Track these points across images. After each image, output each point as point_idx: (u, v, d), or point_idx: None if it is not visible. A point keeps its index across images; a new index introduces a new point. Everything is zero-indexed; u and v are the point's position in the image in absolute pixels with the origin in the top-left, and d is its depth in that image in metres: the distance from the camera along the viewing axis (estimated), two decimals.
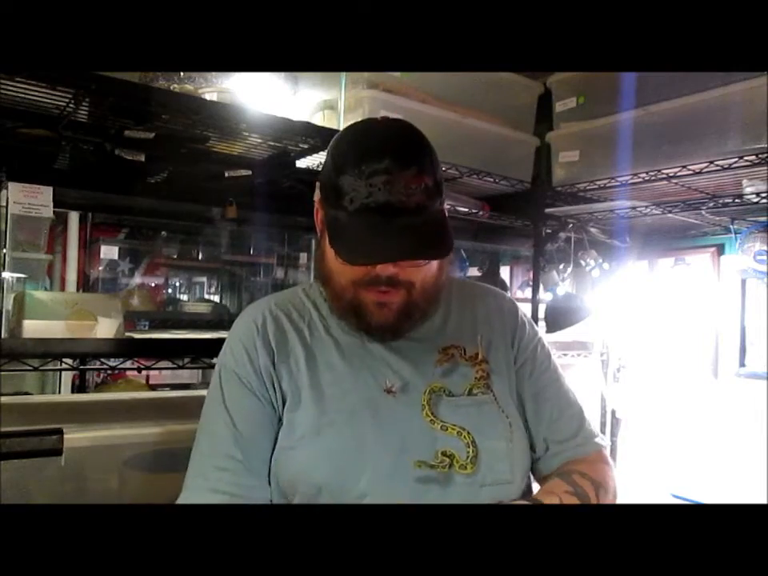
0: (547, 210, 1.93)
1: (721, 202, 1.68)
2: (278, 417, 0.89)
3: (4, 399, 1.22)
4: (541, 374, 0.98)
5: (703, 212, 1.79)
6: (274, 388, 0.90)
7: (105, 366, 1.50)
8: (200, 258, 3.24)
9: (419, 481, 0.82)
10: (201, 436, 0.90)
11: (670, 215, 1.83)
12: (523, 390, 0.96)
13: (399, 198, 0.78)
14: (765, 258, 1.83)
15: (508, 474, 0.87)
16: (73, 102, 1.16)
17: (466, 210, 1.86)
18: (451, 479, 0.83)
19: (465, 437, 0.85)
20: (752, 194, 1.56)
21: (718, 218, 1.93)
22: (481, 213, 1.90)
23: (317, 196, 0.92)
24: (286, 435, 0.88)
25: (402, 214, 0.79)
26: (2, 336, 1.33)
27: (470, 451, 0.84)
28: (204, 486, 0.85)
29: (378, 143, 0.82)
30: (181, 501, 0.85)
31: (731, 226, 1.93)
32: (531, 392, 0.96)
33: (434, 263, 0.88)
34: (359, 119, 1.51)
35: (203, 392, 0.98)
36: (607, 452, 0.99)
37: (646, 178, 1.59)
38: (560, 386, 0.99)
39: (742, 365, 2.06)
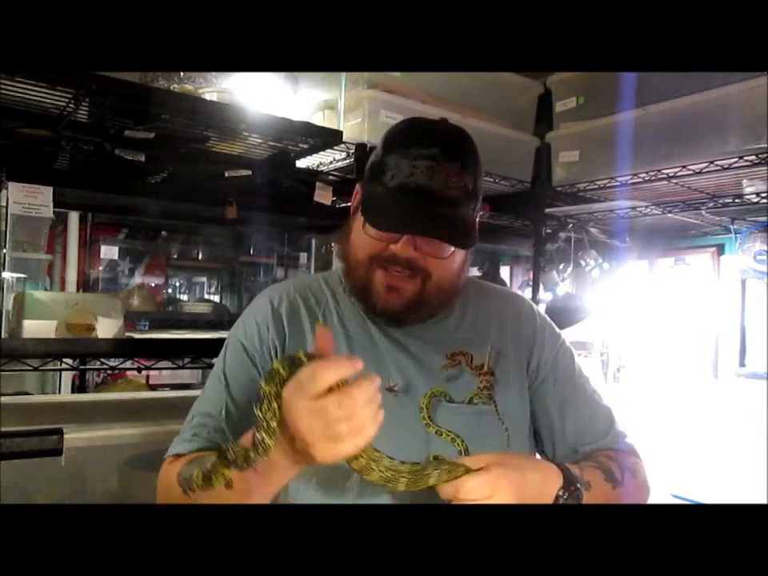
0: (547, 210, 1.93)
1: (721, 202, 1.68)
2: None
3: (4, 399, 1.22)
4: (565, 384, 0.96)
5: (703, 212, 1.79)
6: None
7: (105, 366, 1.50)
8: (200, 257, 3.25)
9: None
10: (198, 399, 0.92)
11: (669, 215, 1.83)
12: (549, 402, 0.94)
13: (437, 187, 0.82)
14: (765, 257, 1.83)
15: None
16: (73, 102, 1.16)
17: None
18: None
19: (459, 444, 0.85)
20: (752, 193, 1.56)
21: (718, 218, 1.93)
22: (481, 213, 1.90)
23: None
24: None
25: (436, 202, 0.82)
26: (2, 336, 1.33)
27: None
28: (181, 438, 0.88)
29: (432, 133, 0.87)
30: (167, 452, 0.88)
31: (731, 226, 1.93)
32: (557, 403, 0.94)
33: (454, 262, 0.88)
34: (359, 119, 1.52)
35: None
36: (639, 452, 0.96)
37: (646, 178, 1.59)
38: (585, 392, 0.97)
39: (742, 365, 2.06)
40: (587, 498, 0.79)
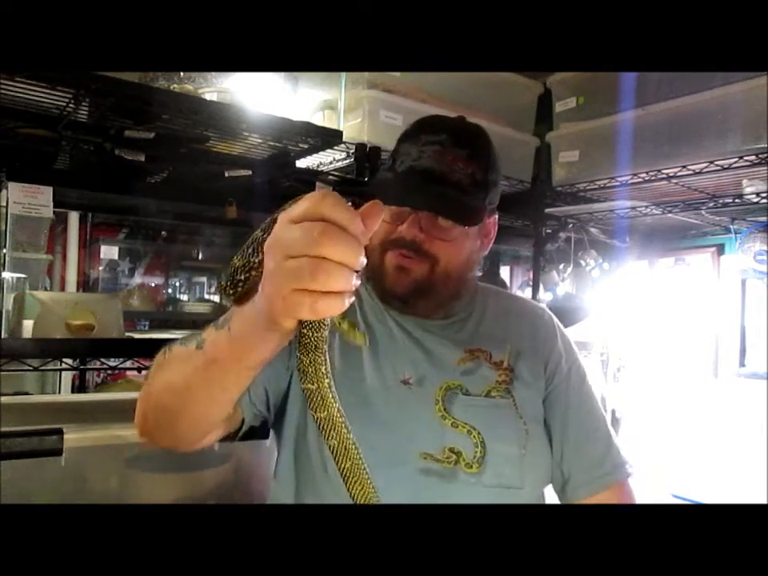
0: (547, 210, 1.93)
1: (721, 202, 1.68)
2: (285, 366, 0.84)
3: (4, 399, 1.22)
4: (573, 397, 0.96)
5: (703, 212, 1.79)
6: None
7: (105, 366, 1.50)
8: (200, 258, 3.25)
9: (422, 472, 0.83)
10: None
11: (670, 215, 1.83)
12: (555, 410, 0.95)
13: (443, 169, 0.84)
14: (765, 257, 1.83)
15: (516, 480, 0.86)
16: (73, 101, 1.16)
17: None
18: (455, 476, 0.83)
19: (475, 436, 0.85)
20: (752, 193, 1.56)
21: (718, 218, 1.93)
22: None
23: None
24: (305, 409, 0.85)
25: (442, 183, 0.84)
26: (2, 336, 1.33)
27: (478, 451, 0.84)
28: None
29: (442, 123, 0.90)
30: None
31: (731, 226, 1.93)
32: (561, 412, 0.95)
33: (462, 248, 0.89)
34: (359, 119, 1.52)
35: None
36: (631, 483, 0.96)
37: (646, 178, 1.59)
38: (589, 409, 0.97)
39: (742, 365, 2.06)
40: None
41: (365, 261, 0.48)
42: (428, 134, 0.87)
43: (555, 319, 1.03)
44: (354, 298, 0.48)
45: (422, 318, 0.94)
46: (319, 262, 0.44)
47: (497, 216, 0.97)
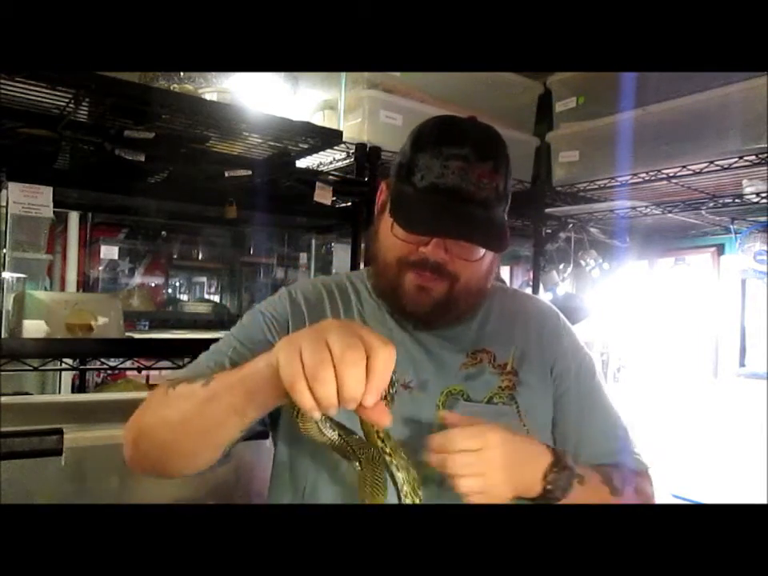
0: (547, 210, 1.93)
1: (721, 202, 1.68)
2: None
3: (4, 399, 1.22)
4: (584, 397, 0.94)
5: (703, 212, 1.79)
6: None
7: (105, 366, 1.50)
8: (200, 257, 3.25)
9: (422, 479, 0.82)
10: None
11: (669, 215, 1.83)
12: (567, 413, 0.92)
13: (469, 188, 0.80)
14: (765, 257, 1.83)
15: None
16: (73, 101, 1.16)
17: None
18: None
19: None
20: (752, 193, 1.56)
21: (718, 218, 1.93)
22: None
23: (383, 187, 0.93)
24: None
25: (468, 202, 0.80)
26: (2, 336, 1.33)
27: None
28: (188, 368, 0.87)
29: (464, 132, 0.85)
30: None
31: (731, 226, 1.93)
32: (575, 415, 0.92)
33: (483, 265, 0.87)
34: (359, 119, 1.52)
35: None
36: (651, 476, 0.94)
37: (646, 178, 1.59)
38: (603, 407, 0.95)
39: (742, 365, 2.06)
40: (582, 496, 0.78)
41: (334, 412, 0.57)
42: (450, 145, 0.81)
43: (562, 318, 1.01)
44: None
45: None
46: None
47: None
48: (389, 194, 0.89)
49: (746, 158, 1.39)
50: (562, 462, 0.77)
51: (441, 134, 0.84)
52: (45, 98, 1.15)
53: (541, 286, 2.06)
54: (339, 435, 0.70)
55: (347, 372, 0.55)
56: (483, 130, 0.88)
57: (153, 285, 3.15)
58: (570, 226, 2.03)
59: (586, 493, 0.79)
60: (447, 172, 0.80)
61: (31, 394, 1.83)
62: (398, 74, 1.55)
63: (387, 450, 0.69)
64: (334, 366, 0.55)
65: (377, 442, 0.68)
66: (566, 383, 0.93)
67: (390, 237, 0.84)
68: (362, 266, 1.59)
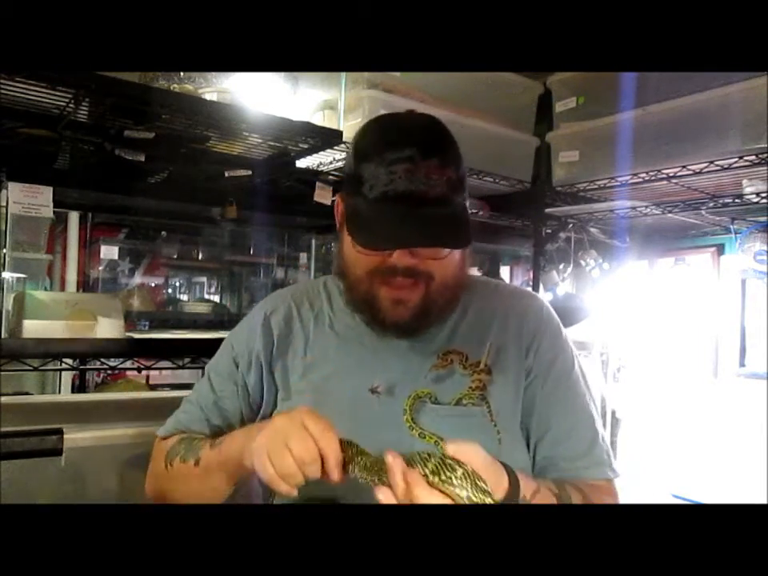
0: (547, 210, 1.93)
1: (721, 202, 1.68)
2: (253, 398, 0.95)
3: (4, 399, 1.22)
4: (554, 388, 0.91)
5: (703, 212, 1.79)
6: (261, 374, 0.94)
7: (105, 366, 1.50)
8: (200, 257, 3.24)
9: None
10: (194, 386, 1.02)
11: (669, 215, 1.83)
12: (535, 403, 0.90)
13: (420, 188, 0.77)
14: (765, 257, 1.83)
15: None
16: (73, 101, 1.16)
17: None
18: None
19: (442, 447, 0.82)
20: (752, 193, 1.56)
21: (718, 218, 1.93)
22: (481, 213, 1.90)
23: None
24: None
25: (422, 204, 0.77)
26: (2, 336, 1.33)
27: None
28: (173, 419, 0.98)
29: (402, 132, 0.82)
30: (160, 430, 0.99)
31: (731, 226, 1.93)
32: (541, 406, 0.90)
33: (455, 259, 0.85)
34: (359, 119, 1.52)
35: None
36: (616, 488, 0.90)
37: (646, 178, 1.59)
38: (574, 403, 0.91)
39: (742, 365, 2.06)
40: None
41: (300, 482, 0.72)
42: (391, 150, 0.78)
43: (547, 308, 0.98)
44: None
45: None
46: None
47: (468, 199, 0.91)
48: (344, 206, 0.87)
49: (745, 157, 1.39)
50: (513, 495, 0.74)
51: (380, 140, 0.82)
52: (45, 97, 1.15)
53: (541, 285, 2.06)
54: None
55: (306, 469, 0.71)
56: (423, 125, 0.86)
57: (153, 285, 3.15)
58: (570, 226, 2.03)
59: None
60: (394, 178, 0.77)
61: (31, 394, 1.83)
62: (397, 74, 1.54)
63: (350, 454, 0.74)
64: (295, 461, 0.70)
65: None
66: (536, 372, 0.91)
67: (354, 252, 0.83)
68: None
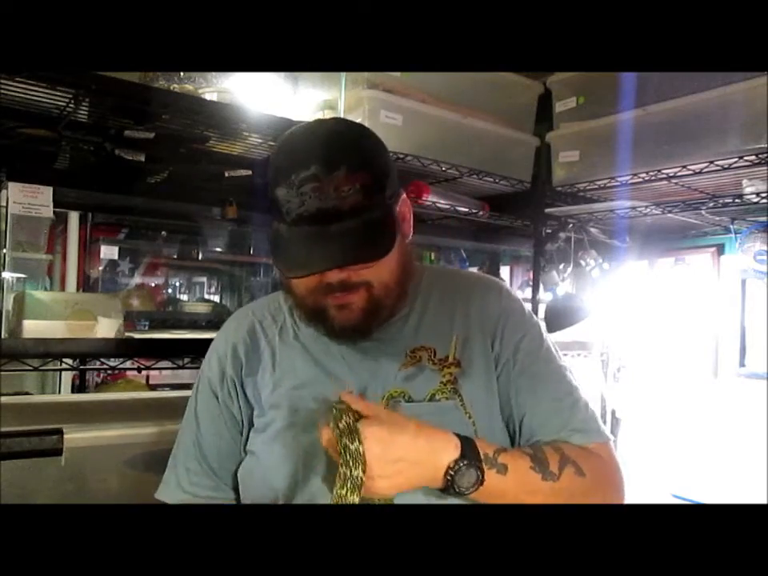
0: (547, 210, 1.93)
1: (721, 202, 1.68)
2: (242, 425, 0.94)
3: (4, 399, 1.22)
4: (525, 369, 0.89)
5: (703, 212, 1.79)
6: (239, 398, 0.93)
7: (105, 366, 1.50)
8: (200, 258, 3.24)
9: None
10: (179, 435, 0.98)
11: (669, 215, 1.82)
12: (510, 388, 0.89)
13: (331, 204, 0.76)
14: (765, 257, 1.83)
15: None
16: (73, 102, 1.16)
17: (466, 210, 1.86)
18: None
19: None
20: (752, 193, 1.56)
21: (718, 218, 1.93)
22: (481, 213, 1.90)
23: None
24: (253, 441, 0.91)
25: (337, 219, 0.76)
26: (2, 336, 1.33)
27: None
28: (174, 481, 0.95)
29: (305, 150, 0.79)
30: (157, 493, 0.95)
31: (731, 226, 1.93)
32: (515, 388, 0.89)
33: (389, 260, 0.82)
34: (359, 119, 1.52)
35: None
36: (612, 448, 0.88)
37: (646, 178, 1.59)
38: (546, 378, 0.90)
39: (742, 365, 2.06)
40: (505, 485, 0.76)
41: None
42: (297, 170, 0.76)
43: (506, 290, 0.97)
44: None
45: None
46: None
47: (404, 194, 0.89)
48: (269, 234, 0.85)
49: (745, 157, 1.39)
50: (467, 457, 0.74)
51: (285, 162, 0.80)
52: (45, 98, 1.15)
53: (541, 285, 2.06)
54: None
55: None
56: (325, 135, 0.82)
57: (153, 285, 3.15)
58: (570, 226, 2.03)
59: (508, 482, 0.77)
60: (305, 199, 0.76)
61: (31, 394, 1.83)
62: (397, 74, 1.54)
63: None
64: None
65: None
66: (505, 357, 0.90)
67: None
68: None
